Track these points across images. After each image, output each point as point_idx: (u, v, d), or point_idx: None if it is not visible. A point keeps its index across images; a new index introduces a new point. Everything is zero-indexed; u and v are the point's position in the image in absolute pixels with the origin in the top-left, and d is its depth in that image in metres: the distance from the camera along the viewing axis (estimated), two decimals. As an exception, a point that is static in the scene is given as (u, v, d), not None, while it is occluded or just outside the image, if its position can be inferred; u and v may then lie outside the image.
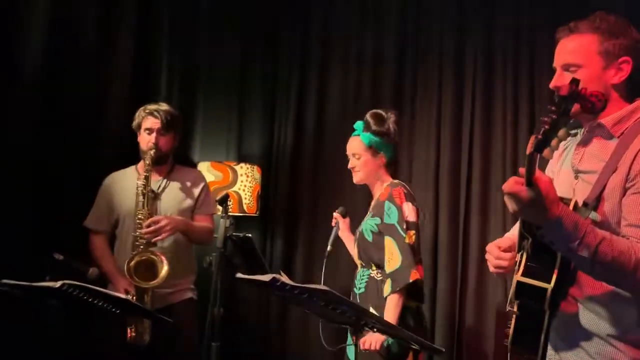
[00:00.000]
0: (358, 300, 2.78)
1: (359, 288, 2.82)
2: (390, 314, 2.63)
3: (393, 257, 2.70)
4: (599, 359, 1.66)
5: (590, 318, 1.68)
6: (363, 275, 2.83)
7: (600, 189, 1.66)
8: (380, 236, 2.76)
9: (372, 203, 2.92)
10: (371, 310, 2.64)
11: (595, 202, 1.66)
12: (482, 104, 3.87)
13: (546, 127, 1.45)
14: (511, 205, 1.55)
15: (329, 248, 2.98)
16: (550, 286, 1.63)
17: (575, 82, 1.51)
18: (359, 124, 2.92)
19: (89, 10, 3.45)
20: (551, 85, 1.77)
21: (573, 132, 1.88)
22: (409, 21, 4.10)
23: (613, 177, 1.65)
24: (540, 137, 1.45)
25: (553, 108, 1.47)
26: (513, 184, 1.53)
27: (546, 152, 1.48)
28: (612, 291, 1.65)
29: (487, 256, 1.85)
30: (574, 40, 1.74)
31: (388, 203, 2.76)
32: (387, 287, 2.69)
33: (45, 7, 3.20)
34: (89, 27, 3.45)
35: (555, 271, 1.64)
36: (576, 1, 3.55)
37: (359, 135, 2.90)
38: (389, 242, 2.71)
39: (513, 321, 1.75)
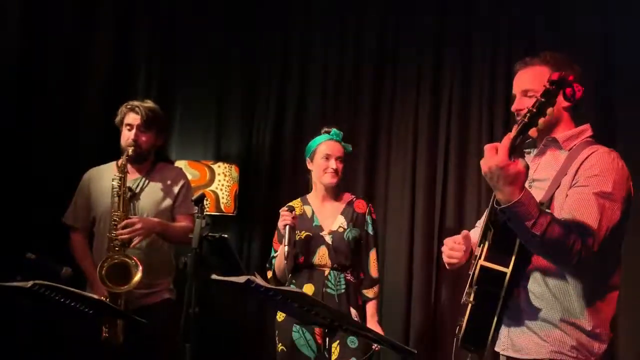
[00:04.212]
0: (337, 300, 2.91)
1: (337, 289, 2.93)
2: (376, 316, 3.02)
3: (376, 266, 3.05)
4: (548, 340, 1.89)
5: (541, 304, 1.90)
6: (339, 277, 2.95)
7: (554, 190, 1.92)
8: (359, 245, 3.02)
9: (348, 212, 3.03)
10: (352, 310, 2.92)
11: (549, 201, 1.91)
12: (458, 115, 3.90)
13: (534, 110, 1.65)
14: (489, 170, 1.69)
15: (286, 249, 2.85)
16: (508, 270, 1.84)
17: (565, 74, 1.72)
18: (337, 132, 3.04)
19: (68, 6, 3.41)
20: (513, 108, 2.03)
21: (527, 150, 2.12)
22: (389, 27, 4.11)
23: (563, 179, 1.91)
24: (526, 121, 1.66)
25: (539, 96, 1.66)
26: (503, 154, 1.67)
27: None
28: (561, 280, 1.89)
29: (442, 248, 2.11)
30: (529, 71, 2.03)
31: (369, 217, 3.05)
32: (370, 291, 3.03)
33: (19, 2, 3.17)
34: (67, 22, 3.42)
35: (513, 257, 1.85)
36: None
37: (339, 141, 3.04)
38: (374, 253, 3.06)
39: (468, 310, 1.92)
